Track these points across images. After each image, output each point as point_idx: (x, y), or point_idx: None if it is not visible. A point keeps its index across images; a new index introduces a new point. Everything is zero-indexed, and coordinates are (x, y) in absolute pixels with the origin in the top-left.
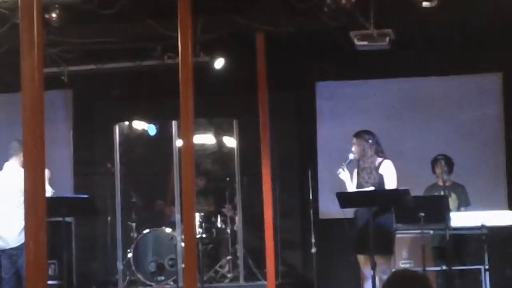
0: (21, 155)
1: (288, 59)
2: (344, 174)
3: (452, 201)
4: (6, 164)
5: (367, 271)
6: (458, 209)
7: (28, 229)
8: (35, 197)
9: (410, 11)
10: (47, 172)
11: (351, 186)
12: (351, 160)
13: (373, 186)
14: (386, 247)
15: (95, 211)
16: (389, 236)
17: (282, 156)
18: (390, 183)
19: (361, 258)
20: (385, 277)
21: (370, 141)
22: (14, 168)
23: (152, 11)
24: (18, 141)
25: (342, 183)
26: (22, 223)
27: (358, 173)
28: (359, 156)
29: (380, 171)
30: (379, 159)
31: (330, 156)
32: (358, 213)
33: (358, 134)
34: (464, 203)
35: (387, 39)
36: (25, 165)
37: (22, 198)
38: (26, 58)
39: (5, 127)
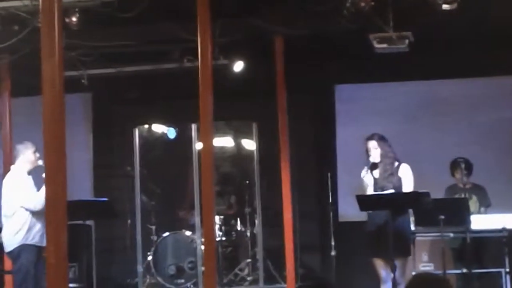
0: (21, 158)
1: (307, 61)
2: (368, 176)
3: (473, 203)
4: (11, 167)
5: (384, 273)
6: (479, 211)
7: (48, 232)
8: (56, 200)
9: (429, 14)
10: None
11: (371, 190)
12: (374, 163)
13: (394, 189)
14: (403, 250)
15: (115, 214)
16: (406, 238)
17: (301, 158)
18: (408, 186)
19: (377, 261)
20: (401, 279)
21: (390, 145)
22: (16, 172)
23: (171, 14)
24: (21, 144)
25: (362, 185)
26: (16, 228)
27: (377, 176)
28: (381, 159)
29: (399, 174)
30: (396, 163)
31: (349, 159)
32: (372, 216)
33: (379, 137)
34: (485, 204)
35: (406, 41)
36: (46, 168)
37: (19, 203)
38: (47, 61)
39: (26, 130)
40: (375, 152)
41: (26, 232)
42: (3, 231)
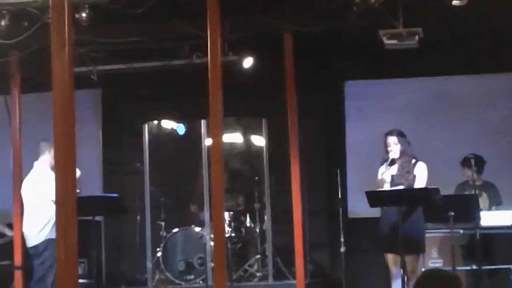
0: (47, 155)
1: (316, 58)
2: (387, 173)
3: (483, 200)
4: (35, 164)
5: (395, 269)
6: (489, 209)
7: (58, 228)
8: (66, 196)
9: (440, 10)
10: (78, 172)
11: (388, 186)
12: (393, 159)
13: (408, 186)
14: (416, 247)
15: (124, 210)
16: (419, 235)
17: (311, 155)
18: (420, 184)
19: (389, 256)
20: (413, 276)
21: (409, 141)
22: (41, 168)
23: (181, 11)
24: (45, 141)
25: (378, 181)
26: (42, 223)
27: (394, 173)
28: (400, 155)
29: (415, 172)
30: (414, 160)
31: (359, 155)
32: (386, 212)
33: (399, 133)
34: (496, 202)
35: (416, 37)
36: (56, 164)
37: (49, 197)
38: (57, 57)
39: (35, 126)
40: (395, 147)
41: (52, 227)
42: (26, 226)
